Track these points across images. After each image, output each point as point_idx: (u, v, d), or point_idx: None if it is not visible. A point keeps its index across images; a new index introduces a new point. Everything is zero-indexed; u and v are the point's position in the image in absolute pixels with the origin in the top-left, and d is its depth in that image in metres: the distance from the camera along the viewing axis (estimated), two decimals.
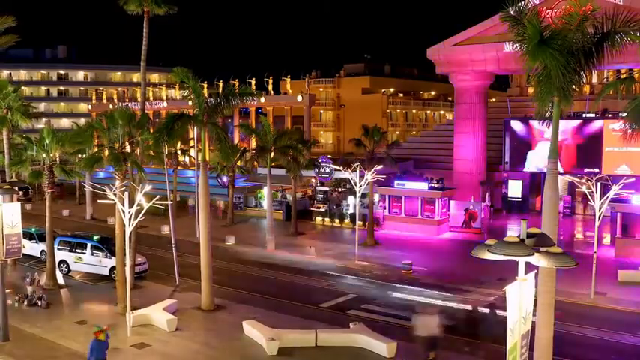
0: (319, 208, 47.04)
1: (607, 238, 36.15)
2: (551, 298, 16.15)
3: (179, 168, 56.79)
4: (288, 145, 39.62)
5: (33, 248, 34.04)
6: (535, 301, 11.74)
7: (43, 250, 32.62)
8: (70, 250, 31.23)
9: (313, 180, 50.62)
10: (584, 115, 42.74)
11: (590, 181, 27.71)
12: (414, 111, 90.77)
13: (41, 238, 33.58)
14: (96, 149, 28.07)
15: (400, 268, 31.26)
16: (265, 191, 42.29)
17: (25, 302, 25.81)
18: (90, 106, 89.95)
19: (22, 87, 41.71)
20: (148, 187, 23.54)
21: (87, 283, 29.94)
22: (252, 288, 28.68)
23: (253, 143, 54.95)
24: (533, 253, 10.48)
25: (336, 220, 45.13)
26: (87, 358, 18.29)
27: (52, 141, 27.55)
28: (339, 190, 47.07)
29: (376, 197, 42.71)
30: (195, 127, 32.58)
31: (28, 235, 33.57)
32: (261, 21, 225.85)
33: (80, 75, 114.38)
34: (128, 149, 25.78)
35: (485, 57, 43.89)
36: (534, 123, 42.75)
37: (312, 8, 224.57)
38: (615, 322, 23.44)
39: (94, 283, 29.76)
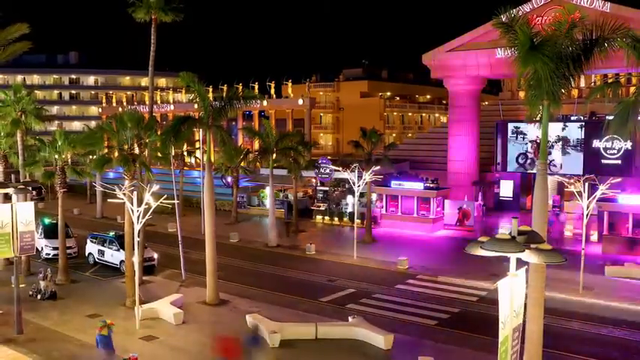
0: (319, 206, 47.93)
1: (594, 236, 36.67)
2: (541, 293, 16.49)
3: (185, 168, 57.82)
4: (289, 146, 40.53)
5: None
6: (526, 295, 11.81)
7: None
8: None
9: (313, 180, 51.25)
10: (572, 118, 43.57)
11: (579, 181, 28.67)
12: (410, 114, 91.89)
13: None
14: (106, 150, 28.87)
15: (397, 264, 32.22)
16: (268, 191, 43.06)
17: (39, 297, 26.70)
18: (100, 110, 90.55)
19: (36, 91, 42.33)
20: (155, 187, 24.22)
21: (97, 278, 30.87)
22: (255, 283, 29.47)
23: (256, 145, 55.58)
24: (524, 250, 10.74)
25: (336, 219, 46.10)
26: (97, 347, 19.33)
27: (63, 142, 28.49)
28: (339, 189, 47.96)
29: (374, 196, 43.62)
30: (200, 130, 33.40)
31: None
32: (263, 27, 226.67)
33: (91, 79, 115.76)
34: (137, 150, 26.53)
35: (478, 62, 44.51)
36: None
37: (312, 15, 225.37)
38: (603, 316, 24.20)
39: (104, 278, 30.69)
